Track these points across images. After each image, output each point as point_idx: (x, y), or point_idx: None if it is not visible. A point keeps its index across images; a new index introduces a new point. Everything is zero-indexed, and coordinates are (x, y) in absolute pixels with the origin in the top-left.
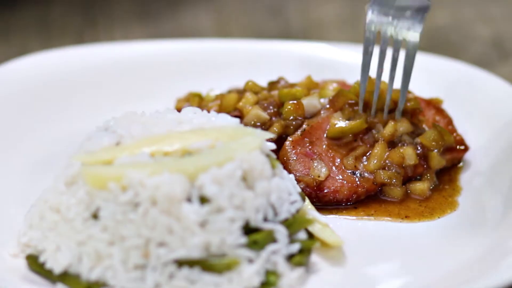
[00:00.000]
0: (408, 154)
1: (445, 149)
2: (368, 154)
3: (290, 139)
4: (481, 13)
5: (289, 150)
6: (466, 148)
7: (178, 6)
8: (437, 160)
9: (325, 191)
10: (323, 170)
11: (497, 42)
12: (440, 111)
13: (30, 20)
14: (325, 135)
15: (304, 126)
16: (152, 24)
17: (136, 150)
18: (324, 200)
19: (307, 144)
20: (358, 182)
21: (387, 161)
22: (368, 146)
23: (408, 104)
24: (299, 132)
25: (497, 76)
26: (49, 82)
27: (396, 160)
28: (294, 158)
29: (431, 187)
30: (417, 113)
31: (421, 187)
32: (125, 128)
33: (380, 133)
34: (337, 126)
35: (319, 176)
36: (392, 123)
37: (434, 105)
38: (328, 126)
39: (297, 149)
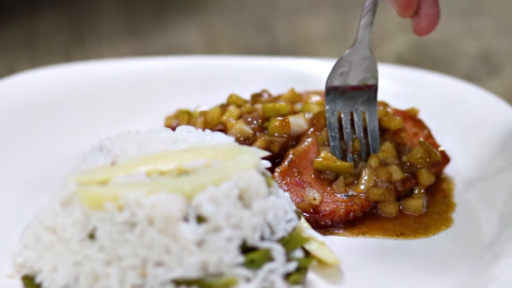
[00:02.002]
0: (394, 170)
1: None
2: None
3: (279, 170)
4: (469, 28)
5: (279, 181)
6: (447, 160)
7: (166, 22)
8: (427, 177)
9: (322, 214)
10: (317, 195)
11: (485, 57)
12: (417, 122)
13: (17, 38)
14: (311, 165)
15: (290, 156)
16: (140, 40)
17: (132, 170)
18: (322, 222)
19: (296, 174)
20: (351, 202)
21: (376, 180)
22: (356, 170)
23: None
24: (286, 163)
25: (486, 91)
26: (38, 101)
27: (384, 177)
28: (285, 188)
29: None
30: (400, 132)
31: (416, 204)
32: (120, 148)
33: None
34: (323, 161)
35: (314, 199)
36: (376, 155)
37: (411, 116)
38: (313, 156)
39: (287, 179)
